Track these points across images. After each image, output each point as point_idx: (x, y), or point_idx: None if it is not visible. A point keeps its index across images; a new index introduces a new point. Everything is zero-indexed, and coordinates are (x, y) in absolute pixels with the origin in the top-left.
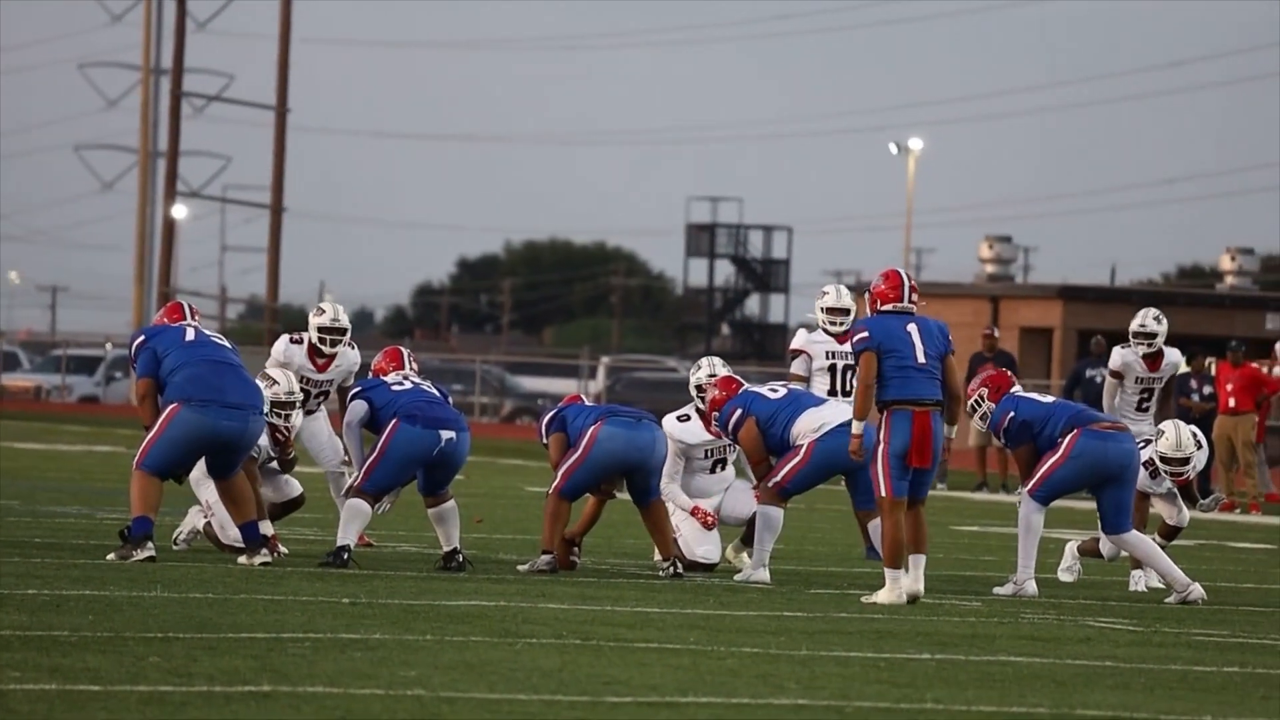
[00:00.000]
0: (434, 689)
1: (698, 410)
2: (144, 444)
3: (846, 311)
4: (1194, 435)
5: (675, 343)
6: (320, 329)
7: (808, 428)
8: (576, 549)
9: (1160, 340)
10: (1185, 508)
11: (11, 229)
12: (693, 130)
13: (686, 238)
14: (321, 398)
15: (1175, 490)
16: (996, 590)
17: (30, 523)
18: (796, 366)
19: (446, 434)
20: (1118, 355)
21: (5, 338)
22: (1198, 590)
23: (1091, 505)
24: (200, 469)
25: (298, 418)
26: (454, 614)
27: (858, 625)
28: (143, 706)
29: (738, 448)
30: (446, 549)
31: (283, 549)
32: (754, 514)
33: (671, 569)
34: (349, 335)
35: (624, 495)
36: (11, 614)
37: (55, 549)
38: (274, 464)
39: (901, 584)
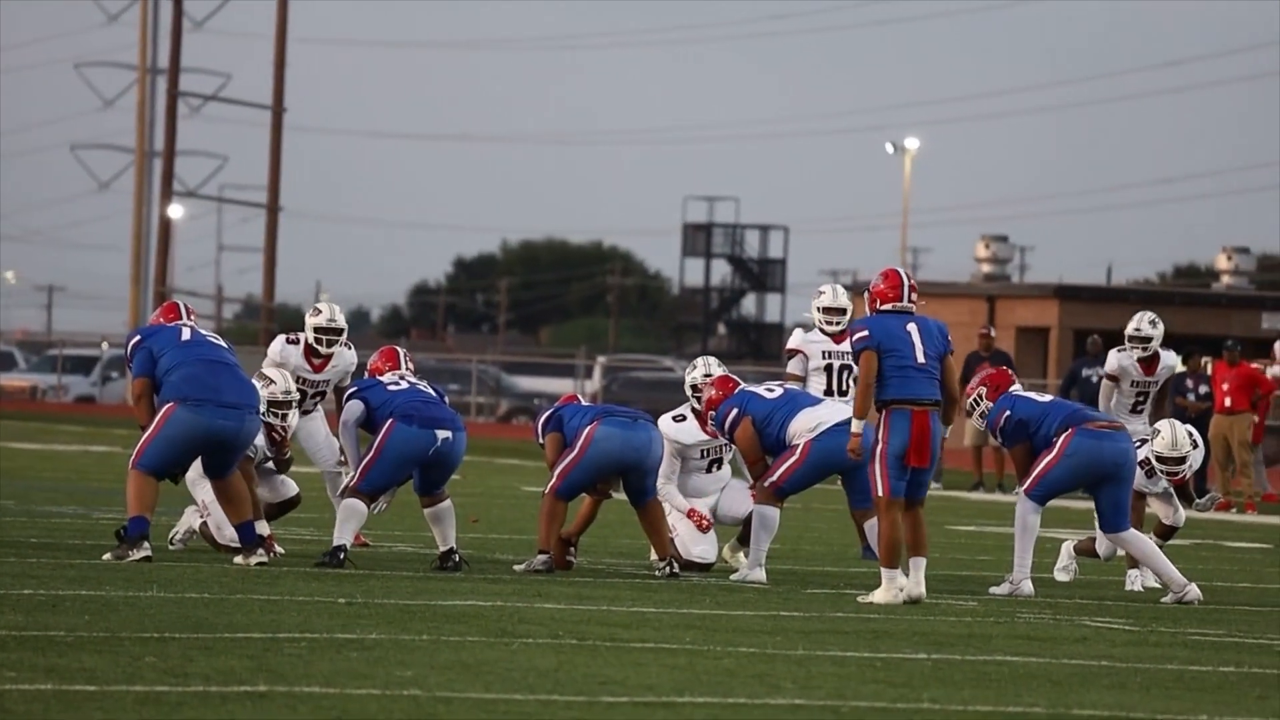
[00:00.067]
0: (430, 689)
1: (693, 410)
2: (140, 443)
3: (843, 311)
4: (1190, 434)
5: (672, 342)
6: (316, 329)
7: (804, 427)
8: (573, 549)
9: (1156, 344)
10: (1181, 507)
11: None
12: (689, 130)
13: (683, 237)
14: (318, 398)
15: (1171, 490)
16: (993, 590)
17: (26, 523)
18: (793, 366)
19: (442, 434)
20: (1113, 359)
21: (1, 337)
22: (1194, 591)
23: (1087, 505)
24: (196, 469)
25: (294, 417)
26: (450, 614)
27: (854, 625)
28: (139, 706)
29: (734, 447)
30: (443, 549)
31: (279, 549)
32: (750, 514)
33: (668, 569)
34: (345, 335)
35: (620, 495)
36: (7, 614)
37: (51, 549)
38: (270, 464)
39: (898, 583)
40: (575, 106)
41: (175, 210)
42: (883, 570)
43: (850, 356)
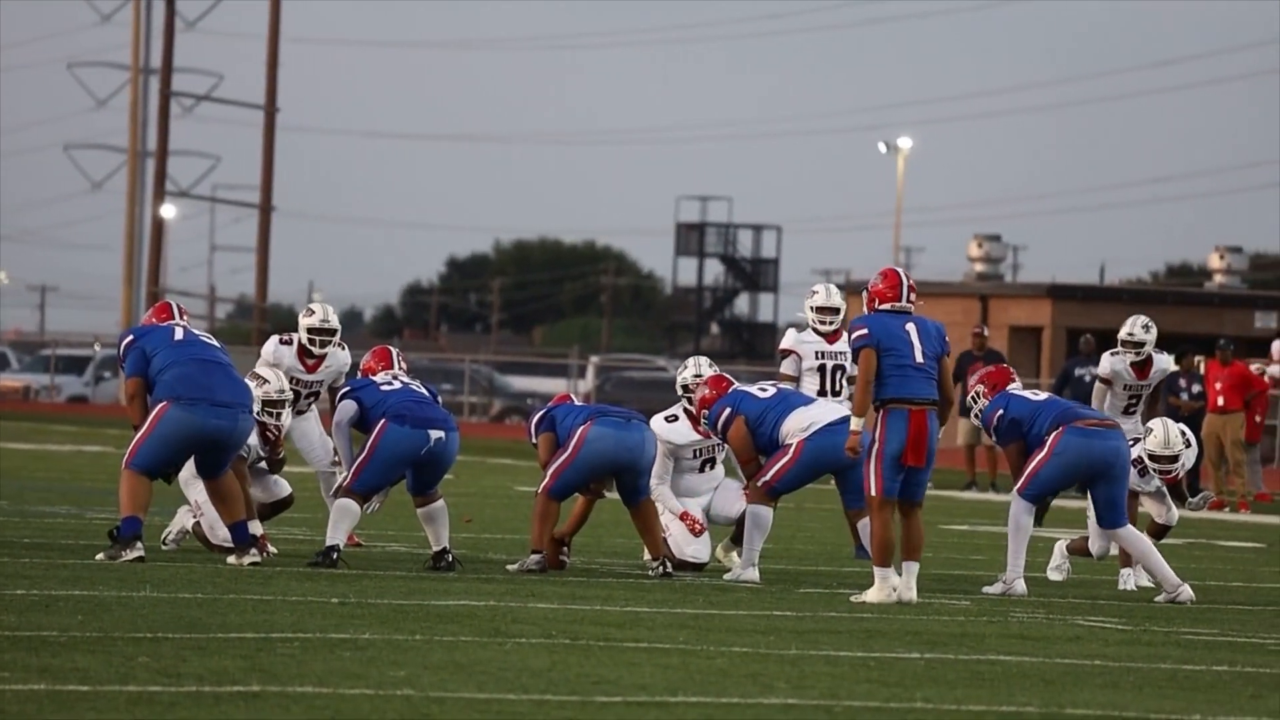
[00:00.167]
0: (423, 689)
1: (685, 410)
2: (133, 443)
3: (836, 311)
4: (1183, 433)
5: (665, 342)
6: (310, 330)
7: (797, 427)
8: (566, 548)
9: (1149, 349)
10: (1174, 506)
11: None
12: (683, 130)
13: (676, 237)
14: (312, 398)
15: (1164, 489)
16: (986, 589)
17: (19, 523)
18: (786, 366)
19: (435, 434)
20: (1106, 362)
21: None
22: (1187, 591)
23: (1080, 504)
24: (190, 469)
25: (287, 417)
26: (443, 614)
27: (847, 624)
28: (132, 707)
29: (727, 447)
30: (436, 549)
31: (272, 549)
32: (743, 513)
33: (661, 568)
34: (339, 336)
35: (613, 495)
36: (0, 614)
37: (44, 549)
38: (263, 464)
39: (891, 583)
40: (568, 106)
41: (168, 210)
42: (875, 569)
43: (843, 357)
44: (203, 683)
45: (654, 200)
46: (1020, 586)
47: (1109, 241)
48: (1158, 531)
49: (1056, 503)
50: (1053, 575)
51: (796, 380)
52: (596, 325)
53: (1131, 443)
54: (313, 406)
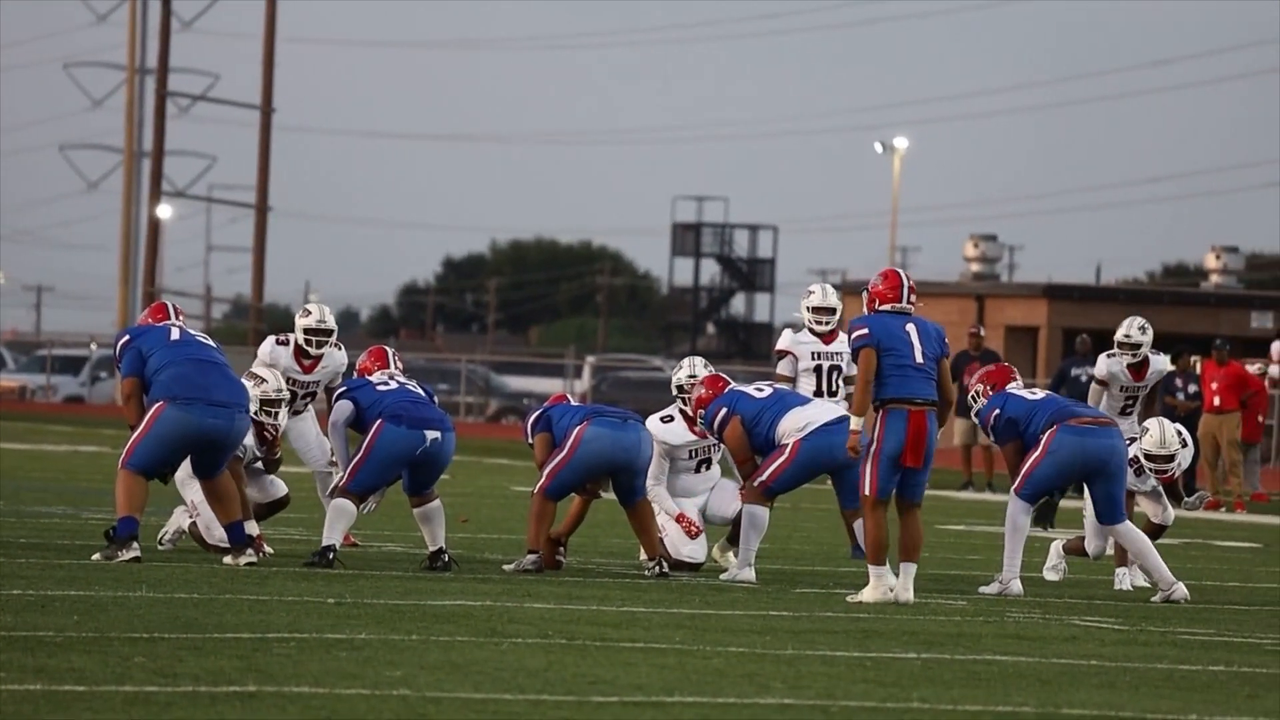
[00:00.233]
0: (419, 689)
1: (681, 411)
2: (130, 443)
3: (832, 311)
4: (1179, 433)
5: (661, 342)
6: (306, 330)
7: (793, 427)
8: (562, 548)
9: (1145, 350)
10: (1170, 506)
11: None
12: (678, 129)
13: (672, 237)
14: (309, 399)
15: (1160, 488)
16: (982, 589)
17: (15, 523)
18: (783, 368)
19: (431, 434)
20: (1103, 364)
21: None
22: (1181, 590)
23: (1077, 504)
24: (186, 469)
25: (284, 417)
26: (439, 614)
27: (843, 624)
28: (128, 707)
29: (722, 447)
30: (432, 549)
31: (268, 549)
32: (739, 513)
33: (657, 568)
34: (335, 336)
35: (609, 495)
36: None
37: (40, 549)
38: (259, 464)
39: (887, 582)
40: (565, 106)
41: (164, 210)
42: (870, 568)
43: (839, 357)
44: (199, 683)
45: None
46: (1016, 586)
47: (1105, 241)
48: (1154, 531)
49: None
50: (1049, 575)
51: (793, 381)
52: (593, 325)
53: (1128, 442)
54: (309, 407)
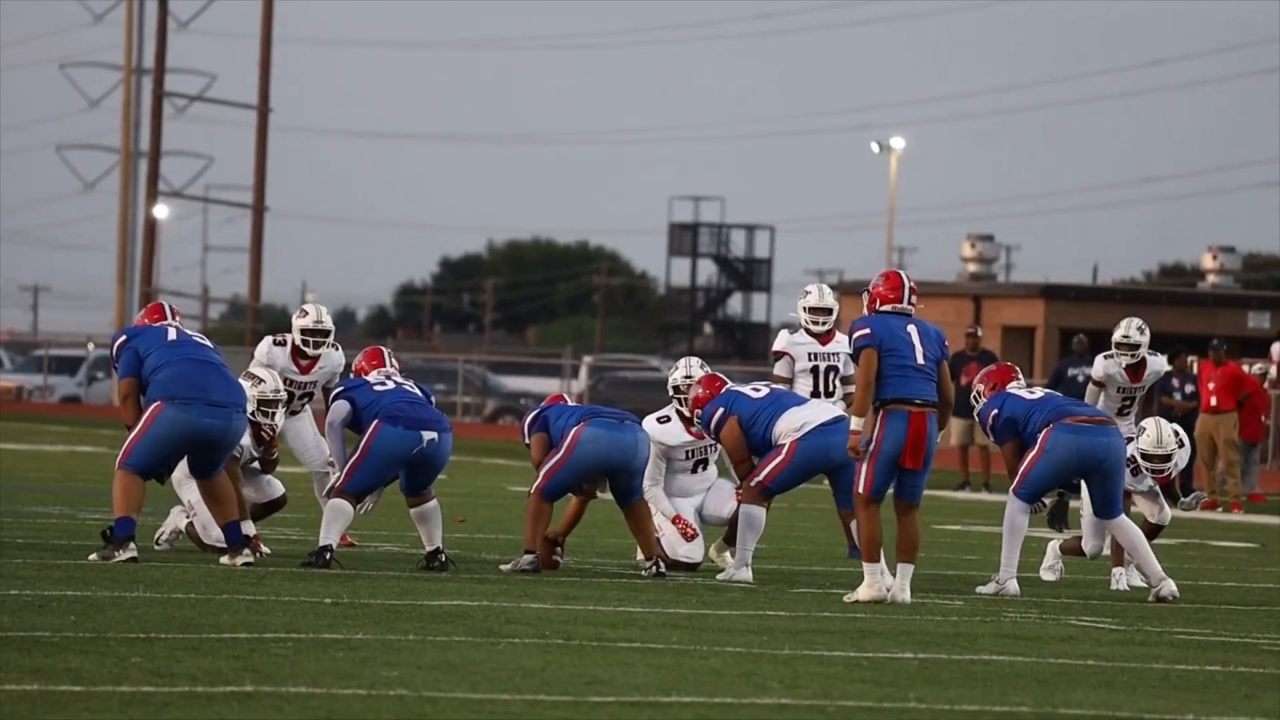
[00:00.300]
0: (416, 689)
1: (677, 411)
2: (127, 443)
3: (829, 311)
4: (1175, 433)
5: (658, 342)
6: (303, 331)
7: (790, 427)
8: (559, 548)
9: (1143, 351)
10: (1167, 506)
11: None
12: (675, 129)
13: (669, 237)
14: (306, 399)
15: (1157, 489)
16: (979, 589)
17: (12, 523)
18: (779, 369)
19: (428, 434)
20: (1100, 365)
21: None
22: (1170, 586)
23: (1074, 505)
24: (182, 469)
25: (281, 417)
26: (437, 614)
27: (841, 624)
28: (125, 707)
29: (719, 447)
30: (429, 549)
31: (265, 549)
32: (735, 513)
33: (654, 569)
34: (332, 337)
35: (606, 495)
36: None
37: (37, 549)
38: (256, 464)
39: (884, 581)
40: (561, 106)
41: (161, 210)
42: (865, 565)
43: (836, 358)
44: (196, 683)
45: (647, 200)
46: (1013, 586)
47: (1102, 241)
48: (1150, 531)
49: (1046, 500)
50: (1046, 575)
51: (790, 382)
52: (590, 325)
53: (1125, 442)
54: (307, 407)
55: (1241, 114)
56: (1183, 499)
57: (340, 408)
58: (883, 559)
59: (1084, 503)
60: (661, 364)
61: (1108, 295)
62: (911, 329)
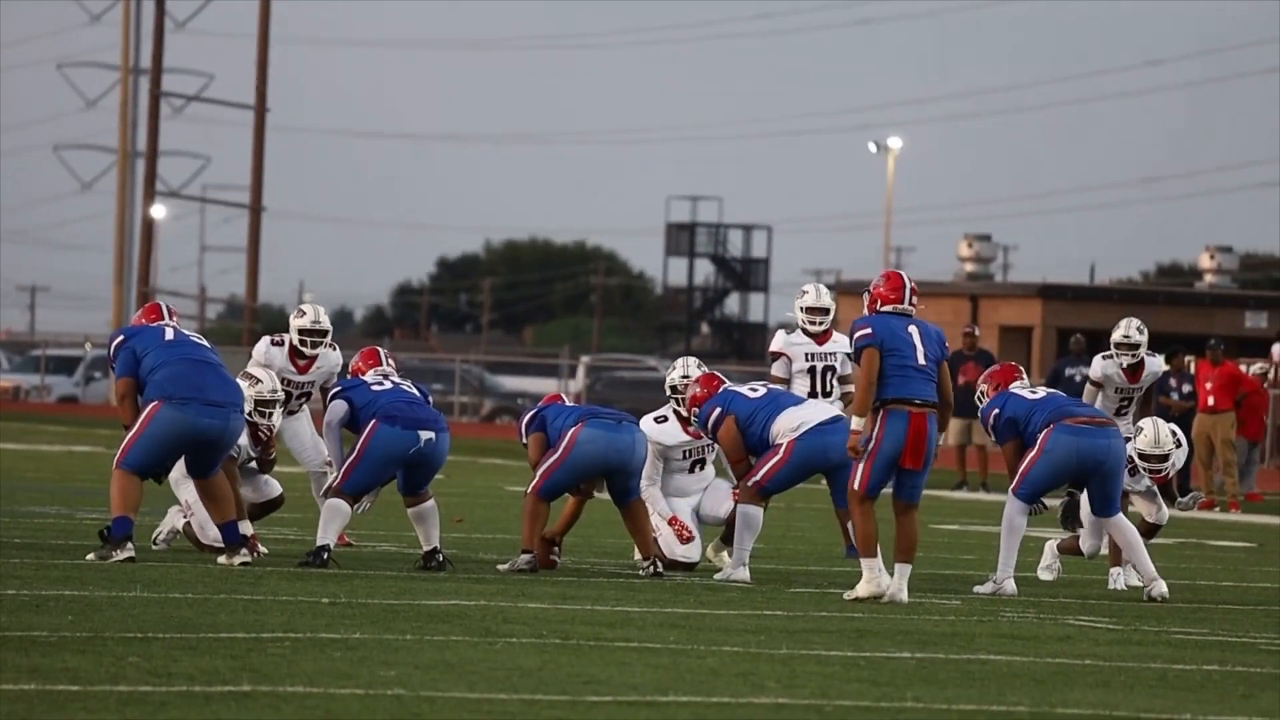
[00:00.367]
0: (414, 688)
1: (675, 411)
2: (124, 443)
3: (826, 311)
4: (1173, 433)
5: (655, 342)
6: (301, 331)
7: (787, 427)
8: (556, 548)
9: (1142, 351)
10: (1164, 506)
11: None
12: (672, 129)
13: (666, 237)
14: (303, 399)
15: (1155, 488)
16: (976, 589)
17: (9, 523)
18: (777, 369)
19: (425, 434)
20: (1098, 366)
21: None
22: (1161, 587)
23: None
24: (180, 469)
25: (278, 417)
26: (434, 613)
27: (838, 624)
28: (122, 706)
29: (717, 447)
30: (426, 548)
31: (262, 549)
32: (733, 513)
33: (651, 568)
34: (330, 337)
35: (603, 495)
36: None
37: (34, 549)
38: (253, 464)
39: (880, 575)
40: (558, 106)
41: (158, 210)
42: (862, 561)
43: (833, 358)
44: (193, 682)
45: (644, 200)
46: (1010, 586)
47: (1099, 241)
48: (1148, 531)
49: (1046, 502)
50: (1043, 575)
51: (787, 382)
52: (587, 325)
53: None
54: (304, 407)
55: (1239, 114)
56: (1180, 499)
57: (338, 407)
58: (880, 555)
59: (1082, 502)
60: (659, 364)
61: (1105, 295)
62: (912, 329)
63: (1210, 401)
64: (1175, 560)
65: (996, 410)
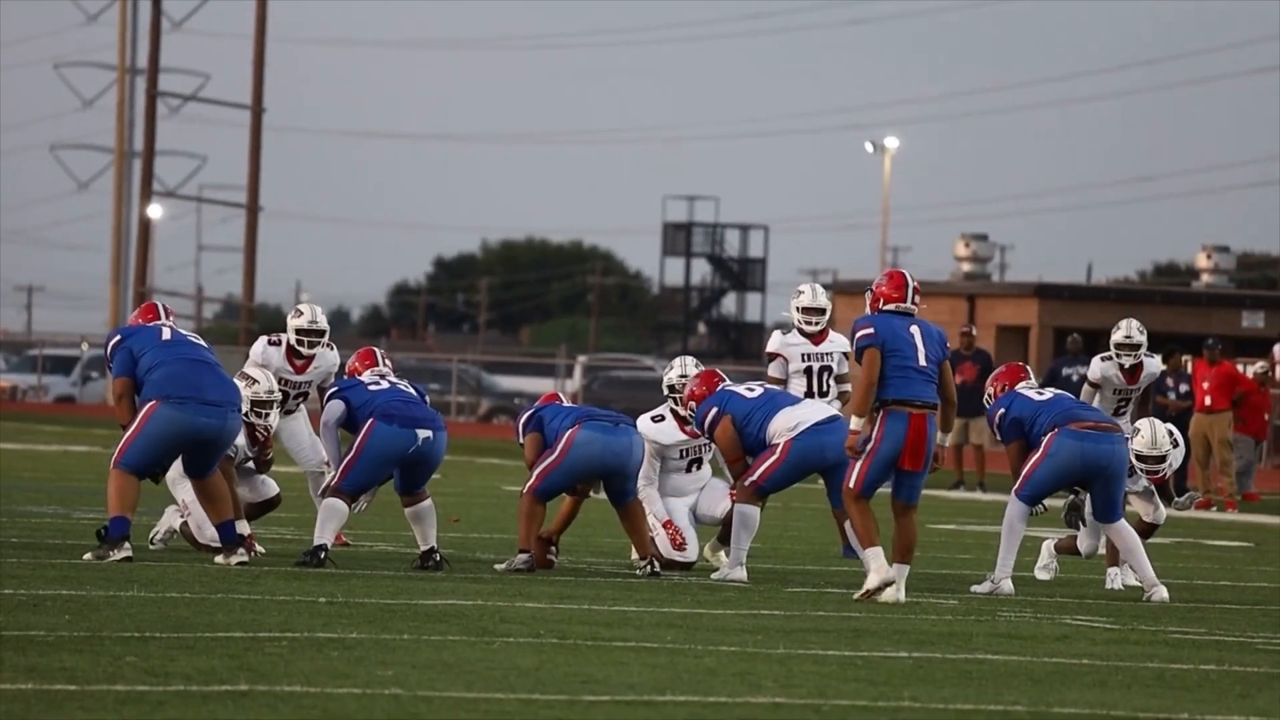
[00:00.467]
0: (411, 688)
1: (672, 410)
2: (122, 442)
3: (822, 311)
4: (1170, 433)
5: (652, 341)
6: (298, 331)
7: (784, 426)
8: (554, 548)
9: (1143, 351)
10: (1161, 505)
11: None
12: (669, 129)
13: (663, 237)
14: (300, 398)
15: (1152, 488)
16: (974, 588)
17: (6, 523)
18: (773, 370)
19: (423, 433)
20: (1097, 367)
21: None
22: (1162, 592)
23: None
24: (177, 469)
25: (275, 417)
26: (431, 613)
27: (835, 623)
28: (120, 706)
29: (713, 447)
30: (424, 548)
31: (259, 548)
32: (729, 513)
33: (649, 568)
34: (327, 336)
35: (600, 495)
36: None
37: (32, 549)
38: (250, 464)
39: (885, 564)
40: (555, 106)
41: (155, 210)
42: (867, 552)
43: (829, 358)
44: (190, 682)
45: (641, 200)
46: (1008, 586)
47: (1096, 241)
48: (1145, 530)
49: (1046, 503)
50: (1040, 574)
51: (784, 383)
52: (584, 325)
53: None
54: (301, 406)
55: (1236, 113)
56: (1177, 499)
57: (335, 407)
58: (881, 545)
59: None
60: (656, 364)
61: (1102, 295)
62: (914, 329)
63: (1207, 401)
64: (1172, 560)
65: (1002, 410)
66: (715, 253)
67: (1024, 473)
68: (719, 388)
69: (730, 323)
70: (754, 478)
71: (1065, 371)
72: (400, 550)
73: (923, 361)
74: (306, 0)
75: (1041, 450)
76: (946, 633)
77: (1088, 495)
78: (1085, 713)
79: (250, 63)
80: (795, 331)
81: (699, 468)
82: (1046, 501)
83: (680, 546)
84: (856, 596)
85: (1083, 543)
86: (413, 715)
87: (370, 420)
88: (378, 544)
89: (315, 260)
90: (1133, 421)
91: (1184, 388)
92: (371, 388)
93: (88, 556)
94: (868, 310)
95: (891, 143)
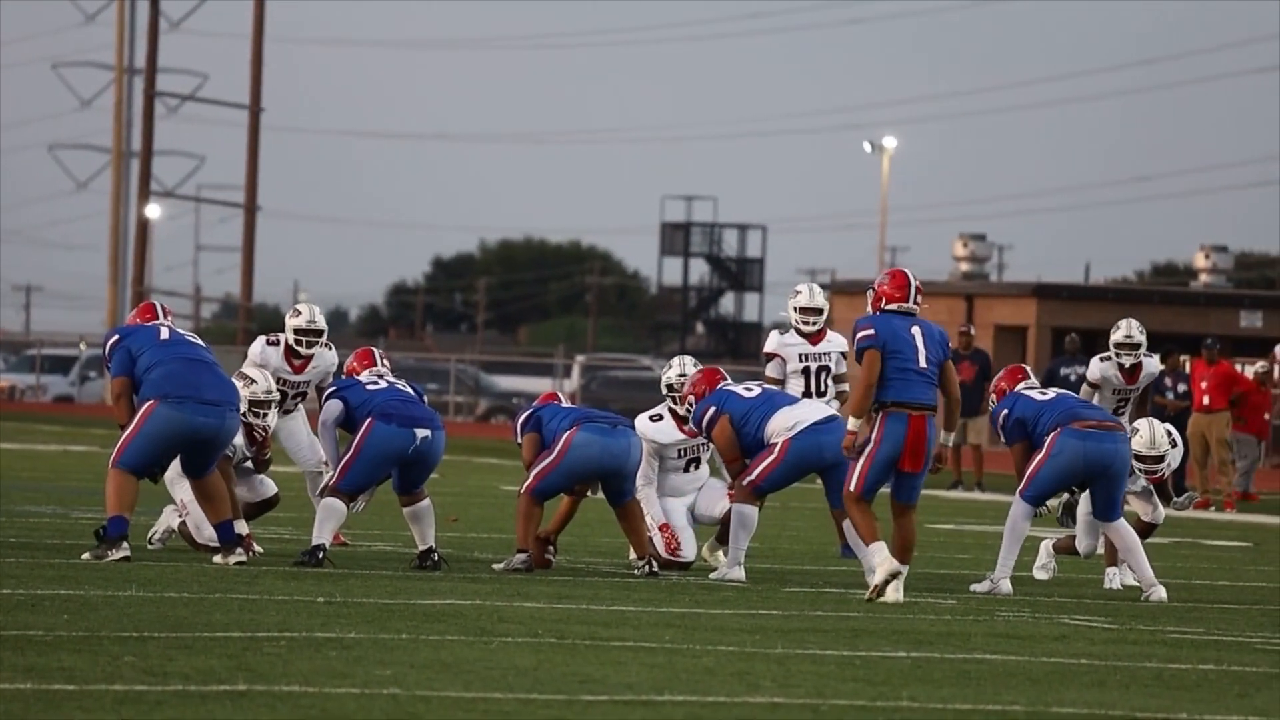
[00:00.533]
0: (409, 688)
1: (670, 410)
2: (120, 442)
3: (819, 311)
4: (1168, 433)
5: (650, 341)
6: (296, 330)
7: (782, 426)
8: (552, 547)
9: (1142, 351)
10: (1160, 505)
11: None
12: (667, 129)
13: (661, 236)
14: (299, 398)
15: (1151, 488)
16: (973, 587)
17: (5, 522)
18: (771, 370)
19: (421, 433)
20: (1096, 367)
21: None
22: (1160, 592)
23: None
24: (175, 468)
25: (273, 417)
26: (429, 613)
27: (833, 623)
28: (118, 706)
29: (711, 446)
30: (422, 548)
31: (258, 548)
32: (728, 513)
33: (647, 568)
34: (325, 336)
35: (598, 495)
36: None
37: (30, 548)
38: (249, 463)
39: (890, 557)
40: (553, 106)
41: (153, 210)
42: (870, 548)
43: (827, 358)
44: (189, 682)
45: (639, 200)
46: (1006, 586)
47: (1094, 241)
48: (1144, 530)
49: (1048, 503)
50: (1038, 574)
51: (782, 383)
52: (582, 325)
53: None
54: (300, 406)
55: (1234, 113)
56: (1176, 499)
57: (333, 407)
58: (882, 540)
59: (1080, 502)
60: (654, 363)
61: (1100, 294)
62: (915, 330)
63: (1205, 401)
64: (1171, 560)
65: (1006, 411)
66: (713, 253)
67: (1027, 473)
68: (718, 387)
69: (728, 323)
70: (752, 477)
71: (1063, 371)
72: (398, 550)
73: (923, 363)
74: (305, 0)
75: (1045, 451)
76: (945, 632)
77: (1083, 495)
78: (1083, 712)
79: (248, 62)
80: (793, 331)
81: (697, 467)
82: (1049, 504)
83: (674, 552)
84: (867, 596)
85: (1081, 543)
86: (411, 715)
87: (368, 420)
88: (376, 544)
89: (313, 260)
90: (1131, 421)
91: (1182, 387)
92: (370, 387)
93: (86, 556)
94: (869, 310)
95: (890, 142)
